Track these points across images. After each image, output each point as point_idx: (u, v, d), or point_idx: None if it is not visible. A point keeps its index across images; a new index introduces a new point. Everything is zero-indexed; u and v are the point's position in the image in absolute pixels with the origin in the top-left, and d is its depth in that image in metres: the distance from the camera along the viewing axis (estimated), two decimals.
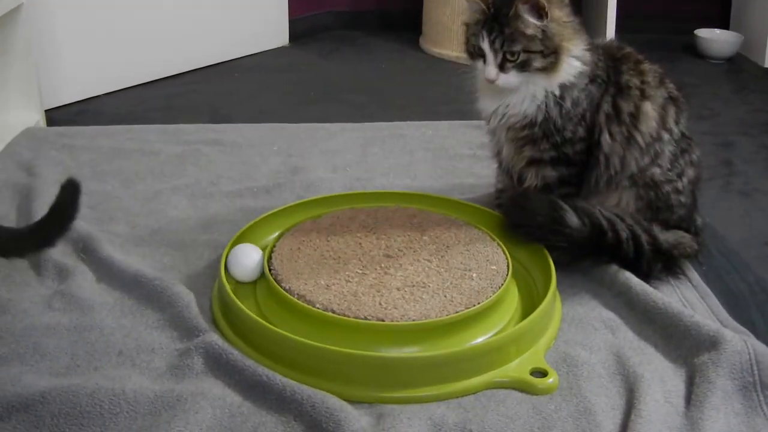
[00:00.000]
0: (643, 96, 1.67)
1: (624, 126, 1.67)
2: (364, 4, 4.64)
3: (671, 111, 1.69)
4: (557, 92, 1.63)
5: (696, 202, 1.77)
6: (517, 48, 1.59)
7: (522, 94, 1.65)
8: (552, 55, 1.60)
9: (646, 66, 1.71)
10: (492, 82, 1.63)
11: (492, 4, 1.61)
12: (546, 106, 1.64)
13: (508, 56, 1.60)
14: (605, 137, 1.67)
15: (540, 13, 1.58)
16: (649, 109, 1.67)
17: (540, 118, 1.65)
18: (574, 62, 1.64)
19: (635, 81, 1.68)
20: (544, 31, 1.59)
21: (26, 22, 2.77)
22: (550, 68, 1.61)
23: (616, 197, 1.71)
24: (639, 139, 1.67)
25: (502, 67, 1.61)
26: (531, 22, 1.58)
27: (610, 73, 1.68)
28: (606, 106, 1.67)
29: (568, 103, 1.64)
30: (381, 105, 2.90)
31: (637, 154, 1.67)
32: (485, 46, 1.61)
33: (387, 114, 2.71)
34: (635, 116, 1.67)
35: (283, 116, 2.74)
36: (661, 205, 1.70)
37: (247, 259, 1.59)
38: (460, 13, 4.04)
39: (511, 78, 1.62)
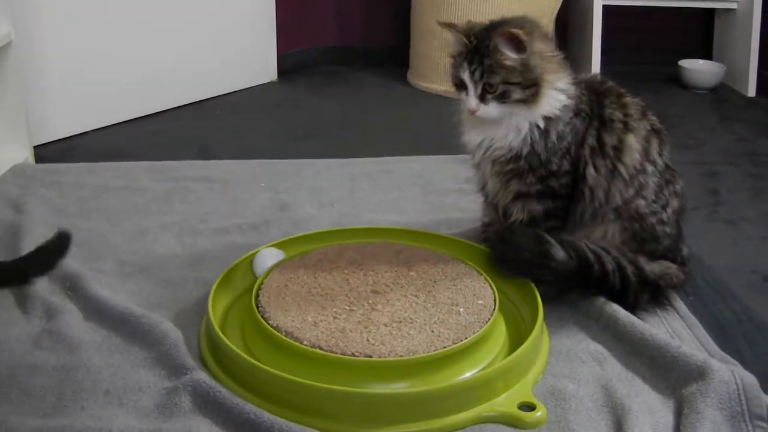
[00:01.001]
0: (627, 129, 1.69)
1: (608, 159, 1.68)
2: (352, 39, 4.66)
3: (654, 143, 1.71)
4: (541, 125, 1.65)
5: (681, 232, 1.78)
6: (496, 80, 1.61)
7: (506, 126, 1.66)
8: (532, 87, 1.62)
9: (628, 99, 1.73)
10: (473, 113, 1.64)
11: (474, 36, 1.63)
12: (531, 138, 1.65)
13: (488, 88, 1.62)
14: (590, 170, 1.68)
15: (518, 45, 1.59)
16: (633, 141, 1.68)
17: (525, 151, 1.66)
18: (558, 95, 1.65)
19: (618, 114, 1.69)
20: (524, 64, 1.61)
21: (14, 59, 2.78)
22: (530, 100, 1.62)
23: (601, 230, 1.71)
24: (623, 171, 1.68)
25: (482, 99, 1.63)
26: (509, 55, 1.60)
27: (593, 106, 1.70)
28: (590, 140, 1.68)
29: (553, 136, 1.65)
30: (369, 140, 2.91)
31: (622, 187, 1.68)
32: (466, 77, 1.63)
33: (374, 149, 2.72)
34: (619, 149, 1.68)
35: (271, 152, 2.74)
36: (647, 236, 1.71)
37: (272, 261, 1.68)
38: (446, 47, 4.06)
39: (491, 109, 1.63)
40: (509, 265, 1.66)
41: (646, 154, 1.69)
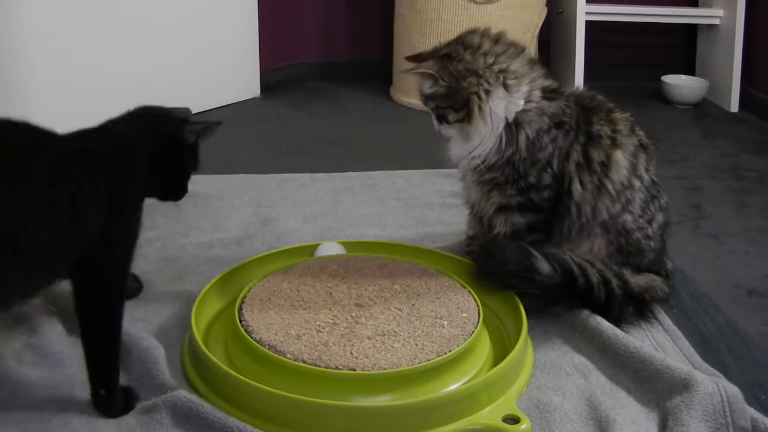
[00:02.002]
0: (614, 144, 1.69)
1: (595, 175, 1.68)
2: (336, 55, 4.66)
3: (642, 158, 1.71)
4: (503, 133, 1.68)
5: (665, 246, 1.78)
6: (432, 105, 1.72)
7: (476, 138, 1.69)
8: (464, 107, 1.67)
9: (618, 115, 1.74)
10: (439, 131, 1.75)
11: None
12: (499, 146, 1.68)
13: (433, 112, 1.72)
14: (576, 186, 1.68)
15: (432, 78, 1.68)
16: (620, 157, 1.68)
17: (497, 160, 1.69)
18: (509, 103, 1.67)
19: (606, 130, 1.70)
20: (449, 88, 1.67)
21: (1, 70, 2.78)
22: (466, 119, 1.68)
23: (588, 244, 1.72)
24: (610, 187, 1.68)
25: (438, 120, 1.73)
26: (425, 89, 1.71)
27: (580, 122, 1.70)
28: (576, 155, 1.68)
29: (522, 143, 1.67)
30: (352, 155, 2.90)
31: (608, 202, 1.68)
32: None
33: (358, 164, 2.71)
34: (606, 165, 1.68)
35: (255, 167, 2.73)
36: (633, 249, 1.71)
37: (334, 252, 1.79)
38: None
39: (444, 129, 1.74)
40: (494, 278, 1.66)
41: (633, 170, 1.69)
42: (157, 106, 1.59)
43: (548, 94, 1.70)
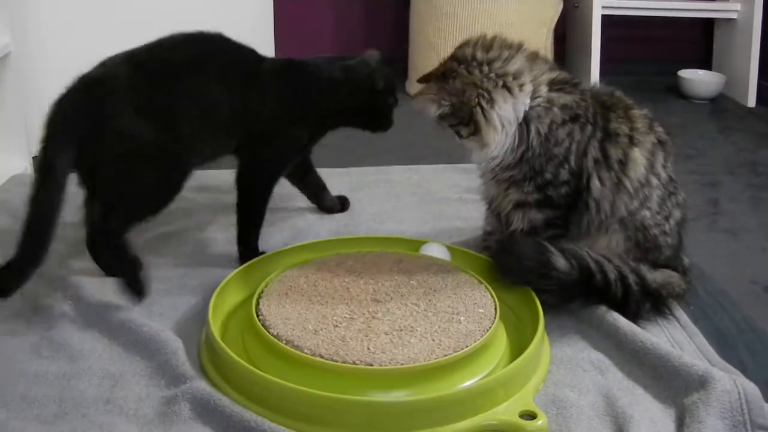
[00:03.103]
0: (632, 143, 1.68)
1: (613, 172, 1.68)
2: (351, 49, 4.65)
3: (660, 156, 1.71)
4: (516, 133, 1.67)
5: (682, 242, 1.78)
6: (445, 125, 1.71)
7: (494, 144, 1.68)
8: (472, 121, 1.67)
9: (636, 112, 1.73)
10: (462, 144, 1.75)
11: None
12: (515, 145, 1.68)
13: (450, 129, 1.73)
14: (594, 182, 1.68)
15: (435, 102, 1.69)
16: (638, 155, 1.68)
17: (513, 159, 1.69)
18: (517, 104, 1.66)
19: (624, 128, 1.69)
20: (452, 106, 1.67)
21: (14, 70, 2.78)
22: (476, 131, 1.68)
23: (605, 240, 1.72)
24: (628, 184, 1.68)
25: (457, 136, 1.73)
26: (431, 115, 1.71)
27: (597, 118, 1.69)
28: (594, 151, 1.68)
29: (534, 140, 1.67)
30: (367, 150, 2.90)
31: (627, 199, 1.68)
32: None
33: (373, 159, 2.72)
34: (624, 163, 1.68)
35: None
36: (650, 245, 1.71)
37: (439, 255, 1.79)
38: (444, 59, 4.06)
39: (465, 143, 1.73)
40: (511, 274, 1.66)
41: (651, 167, 1.69)
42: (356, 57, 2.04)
43: (557, 85, 1.69)
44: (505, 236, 1.77)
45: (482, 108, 1.65)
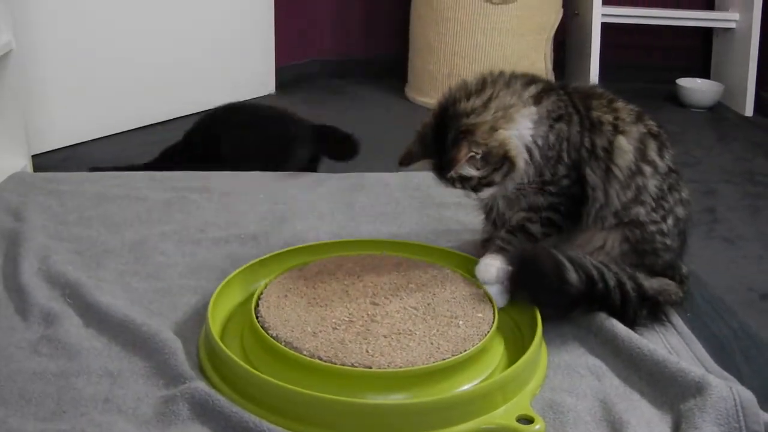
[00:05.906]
0: (616, 131, 1.69)
1: (600, 160, 1.69)
2: (351, 52, 4.68)
3: (651, 144, 1.70)
4: (525, 156, 1.66)
5: (685, 244, 1.77)
6: (473, 184, 1.68)
7: (519, 174, 1.68)
8: (503, 159, 1.64)
9: (620, 104, 1.73)
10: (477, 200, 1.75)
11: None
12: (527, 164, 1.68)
13: (470, 189, 1.68)
14: (588, 171, 1.69)
15: (472, 159, 1.63)
16: (623, 143, 1.68)
17: (523, 177, 1.69)
18: (523, 129, 1.66)
19: (607, 117, 1.70)
20: (485, 154, 1.63)
21: (14, 68, 2.78)
22: (510, 169, 1.66)
23: (602, 237, 1.71)
24: (617, 172, 1.68)
25: (474, 190, 1.69)
26: (472, 174, 1.66)
27: (579, 107, 1.70)
28: (586, 142, 1.69)
29: (537, 156, 1.67)
30: (366, 153, 2.91)
31: (618, 188, 1.68)
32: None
33: (372, 163, 2.72)
34: (609, 151, 1.68)
35: None
36: (647, 248, 1.70)
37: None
38: (444, 63, 4.08)
39: (485, 194, 1.70)
40: (530, 293, 1.64)
41: (641, 155, 1.69)
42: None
43: (537, 96, 1.69)
44: (524, 251, 1.71)
45: (511, 143, 1.64)
